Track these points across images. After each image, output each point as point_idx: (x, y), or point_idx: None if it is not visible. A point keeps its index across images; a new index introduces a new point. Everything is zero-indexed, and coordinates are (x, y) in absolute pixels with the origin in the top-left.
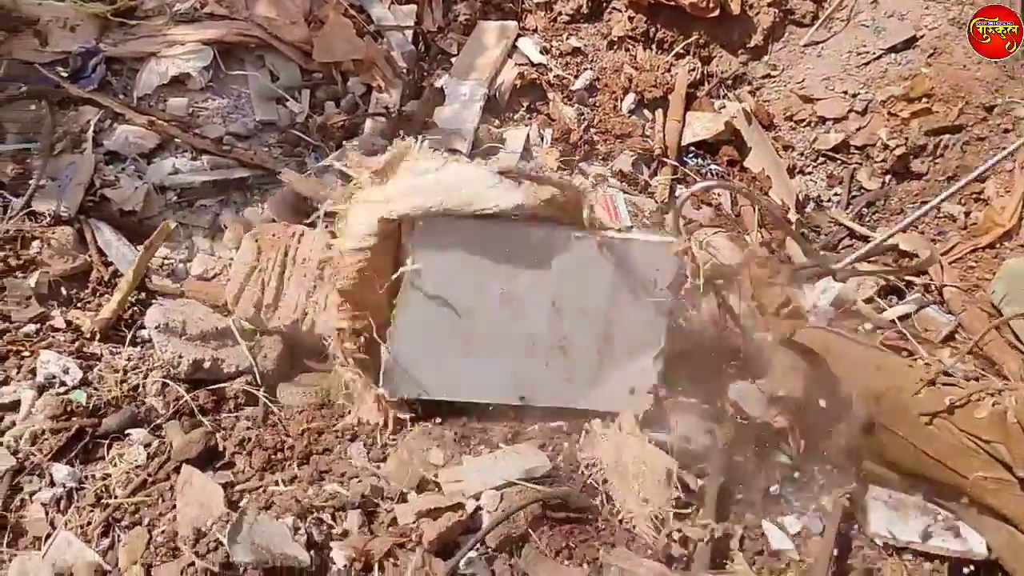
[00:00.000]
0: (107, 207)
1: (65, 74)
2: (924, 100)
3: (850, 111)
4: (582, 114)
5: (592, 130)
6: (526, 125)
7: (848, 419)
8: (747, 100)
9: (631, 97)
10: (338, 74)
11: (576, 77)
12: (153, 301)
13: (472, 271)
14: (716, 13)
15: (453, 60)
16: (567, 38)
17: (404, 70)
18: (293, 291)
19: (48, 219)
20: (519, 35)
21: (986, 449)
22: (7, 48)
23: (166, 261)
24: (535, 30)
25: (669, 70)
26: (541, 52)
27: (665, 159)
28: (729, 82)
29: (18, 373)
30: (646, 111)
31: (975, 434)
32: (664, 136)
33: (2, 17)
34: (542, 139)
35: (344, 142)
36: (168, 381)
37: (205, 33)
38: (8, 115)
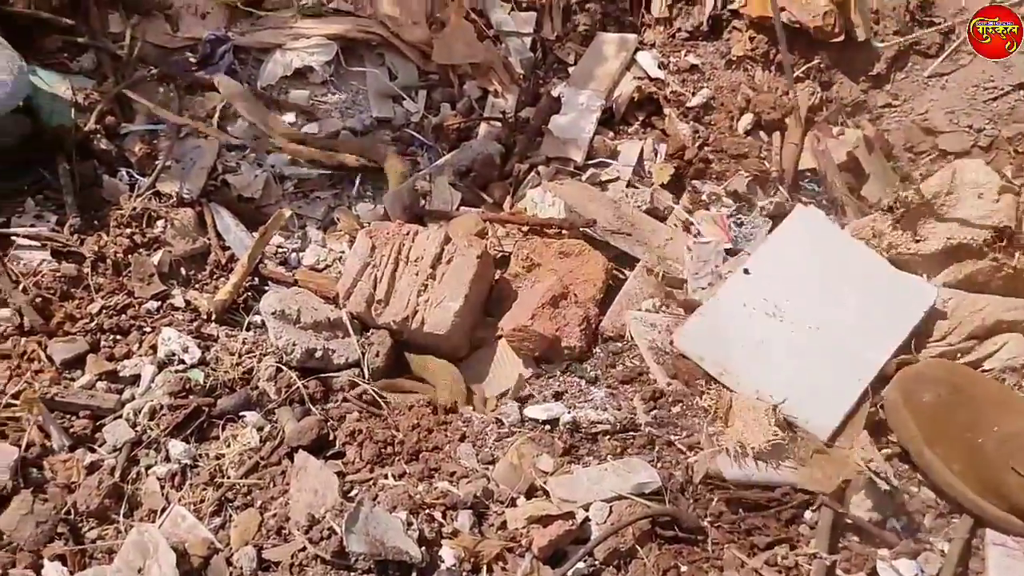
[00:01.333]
0: (227, 192)
1: (194, 60)
2: None
3: (974, 146)
4: (697, 132)
5: (707, 148)
6: (640, 139)
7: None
8: (867, 128)
9: (748, 118)
10: (455, 76)
11: (693, 94)
12: (266, 287)
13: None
14: (841, 38)
15: (570, 69)
16: (685, 54)
17: (521, 76)
18: (404, 289)
19: (172, 200)
20: (637, 48)
21: None
22: (140, 31)
23: (280, 249)
24: (653, 44)
25: (787, 93)
26: (659, 67)
27: (782, 183)
28: (848, 109)
29: (140, 348)
30: (762, 133)
31: None
32: (781, 159)
33: (137, 1)
34: (656, 154)
35: (459, 143)
36: (281, 367)
37: (330, 28)
38: (140, 95)
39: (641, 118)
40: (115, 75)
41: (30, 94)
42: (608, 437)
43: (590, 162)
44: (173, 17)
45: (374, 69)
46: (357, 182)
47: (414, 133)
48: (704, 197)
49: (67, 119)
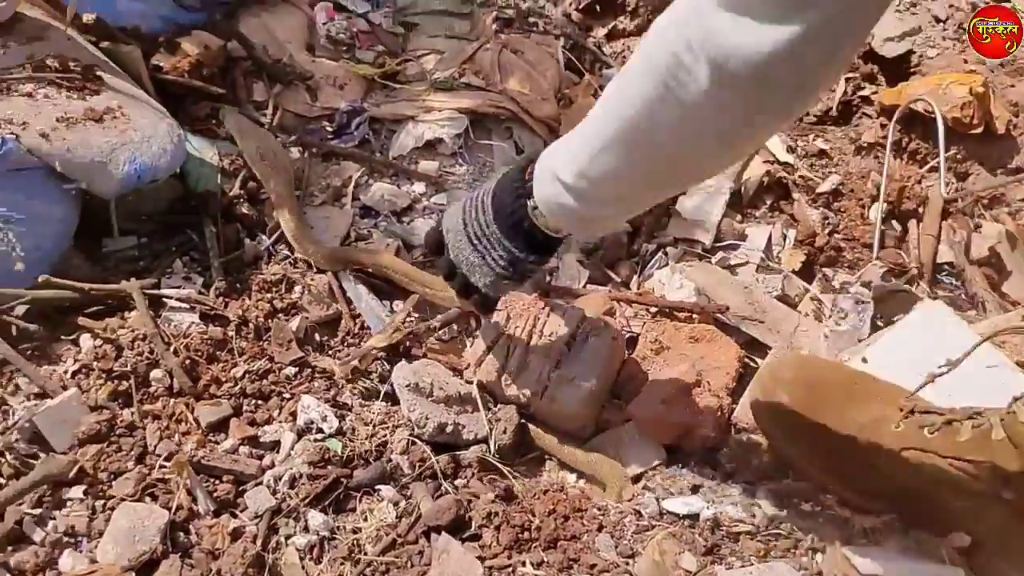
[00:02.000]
0: None
1: (330, 129)
2: None
3: None
4: (827, 218)
5: (837, 235)
6: (769, 223)
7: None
8: (1007, 222)
9: (880, 206)
10: None
11: (823, 179)
12: (395, 356)
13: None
14: (979, 130)
15: None
16: (814, 139)
17: None
18: (536, 364)
19: (307, 265)
20: None
21: (970, 472)
22: (281, 100)
23: (408, 319)
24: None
25: (920, 182)
26: (787, 151)
27: (921, 276)
28: (986, 201)
29: (280, 414)
30: (895, 222)
31: (958, 456)
32: (920, 252)
33: (281, 71)
34: (784, 239)
35: None
36: (415, 440)
37: (461, 102)
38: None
39: (769, 202)
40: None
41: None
42: (750, 538)
43: (718, 244)
44: (313, 88)
45: (501, 143)
46: None
47: None
48: (836, 285)
49: (214, 184)
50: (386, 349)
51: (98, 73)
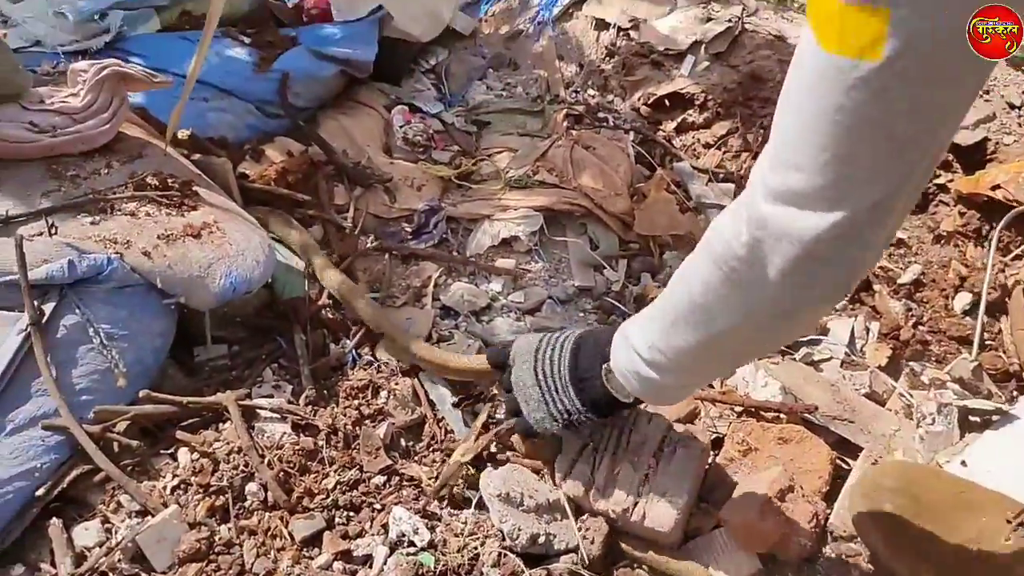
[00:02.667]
0: None
1: (409, 230)
2: None
3: None
4: (910, 309)
5: (922, 328)
6: (851, 315)
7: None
8: None
9: (965, 296)
10: (656, 247)
11: (903, 270)
12: (480, 461)
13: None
14: None
15: None
16: None
17: None
18: (625, 477)
19: (390, 370)
20: None
21: None
22: (363, 203)
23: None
24: None
25: (1004, 270)
26: None
27: (1021, 376)
28: None
29: (371, 526)
30: (982, 314)
31: None
32: (1016, 348)
33: (361, 174)
34: (867, 332)
35: None
36: (505, 552)
37: (535, 200)
38: (361, 265)
39: (851, 294)
40: (340, 244)
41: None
42: None
43: (800, 339)
44: (391, 189)
45: (576, 239)
46: None
47: (615, 302)
48: (925, 380)
49: (300, 290)
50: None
51: (195, 188)
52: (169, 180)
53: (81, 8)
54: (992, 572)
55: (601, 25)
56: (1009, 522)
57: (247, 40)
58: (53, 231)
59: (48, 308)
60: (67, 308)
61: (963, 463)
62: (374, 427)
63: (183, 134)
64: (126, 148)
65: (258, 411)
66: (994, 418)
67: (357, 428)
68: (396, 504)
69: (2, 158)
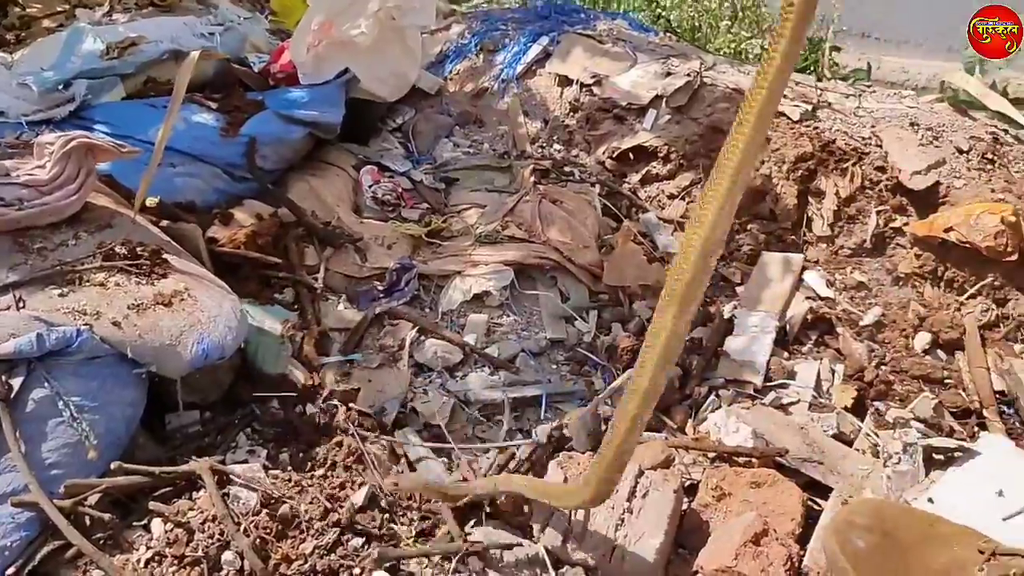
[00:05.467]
0: (416, 419)
1: (381, 288)
2: None
3: None
4: (872, 350)
5: (885, 368)
6: (816, 359)
7: None
8: None
9: (925, 336)
10: (625, 297)
11: (864, 312)
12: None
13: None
14: (1015, 257)
15: (737, 288)
16: (851, 271)
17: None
18: (601, 524)
19: (369, 425)
20: (804, 267)
21: None
22: (333, 263)
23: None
24: (817, 262)
25: (959, 309)
26: (827, 285)
27: (984, 411)
28: None
29: None
30: (940, 351)
31: None
32: (975, 384)
33: (331, 234)
34: (833, 374)
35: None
36: None
37: (505, 255)
38: (331, 326)
39: (814, 337)
40: (312, 307)
41: None
42: None
43: (768, 384)
44: (362, 248)
45: (547, 291)
46: (543, 407)
47: (587, 353)
48: (890, 419)
49: (276, 356)
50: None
51: (164, 256)
52: (138, 249)
53: (45, 78)
54: None
55: (564, 82)
56: (982, 552)
57: (213, 105)
58: (21, 305)
59: (16, 383)
60: (36, 382)
61: (930, 500)
62: (354, 491)
63: (151, 201)
64: (94, 218)
65: (232, 478)
66: (957, 455)
67: (338, 491)
68: (376, 570)
69: None
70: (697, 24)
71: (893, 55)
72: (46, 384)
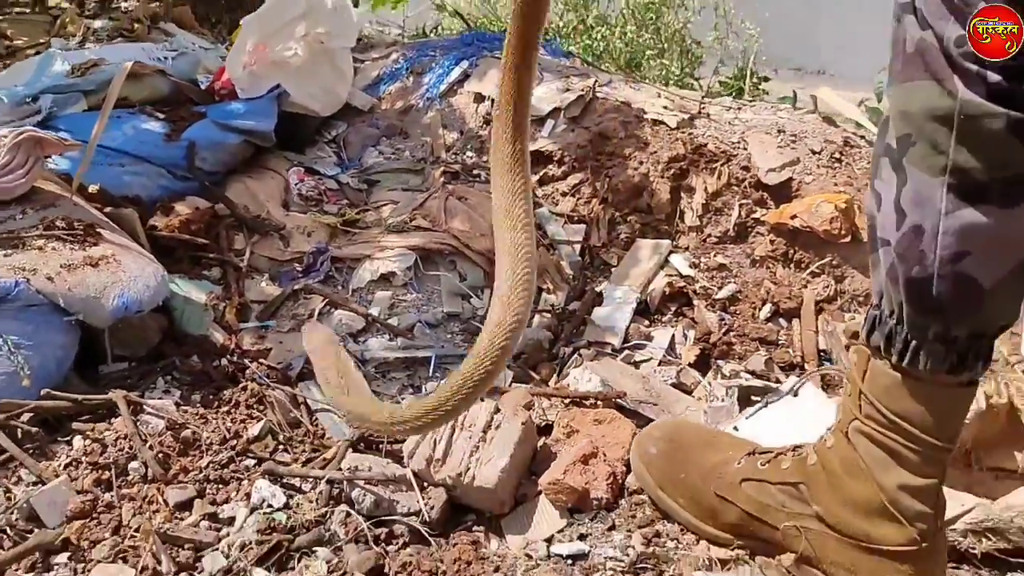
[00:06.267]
0: None
1: (299, 269)
2: None
3: None
4: (723, 319)
5: (731, 333)
6: (672, 327)
7: None
8: None
9: (768, 307)
10: None
11: (720, 288)
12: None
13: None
14: (848, 239)
15: (613, 270)
16: (715, 256)
17: (571, 276)
18: (458, 450)
19: (276, 378)
20: (671, 251)
21: (792, 494)
22: (257, 247)
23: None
24: (687, 248)
25: (806, 286)
26: (690, 266)
27: (805, 365)
28: (861, 299)
29: (237, 495)
30: (782, 319)
31: (781, 481)
32: (803, 344)
33: (258, 224)
34: (685, 338)
35: None
36: (351, 512)
37: (410, 241)
38: (253, 299)
39: (673, 309)
40: (236, 283)
41: (168, 296)
42: (622, 574)
43: (626, 345)
44: (285, 236)
45: (447, 273)
46: (431, 367)
47: (480, 324)
48: (726, 372)
49: (201, 323)
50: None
51: (98, 230)
52: (75, 223)
53: (15, 92)
54: (726, 490)
55: (479, 99)
56: (749, 454)
57: (161, 116)
58: None
59: None
60: None
61: (735, 428)
62: (253, 423)
63: (93, 188)
64: (40, 199)
65: (145, 407)
66: (769, 397)
67: (237, 425)
68: (261, 479)
69: None
70: (630, 57)
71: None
72: None
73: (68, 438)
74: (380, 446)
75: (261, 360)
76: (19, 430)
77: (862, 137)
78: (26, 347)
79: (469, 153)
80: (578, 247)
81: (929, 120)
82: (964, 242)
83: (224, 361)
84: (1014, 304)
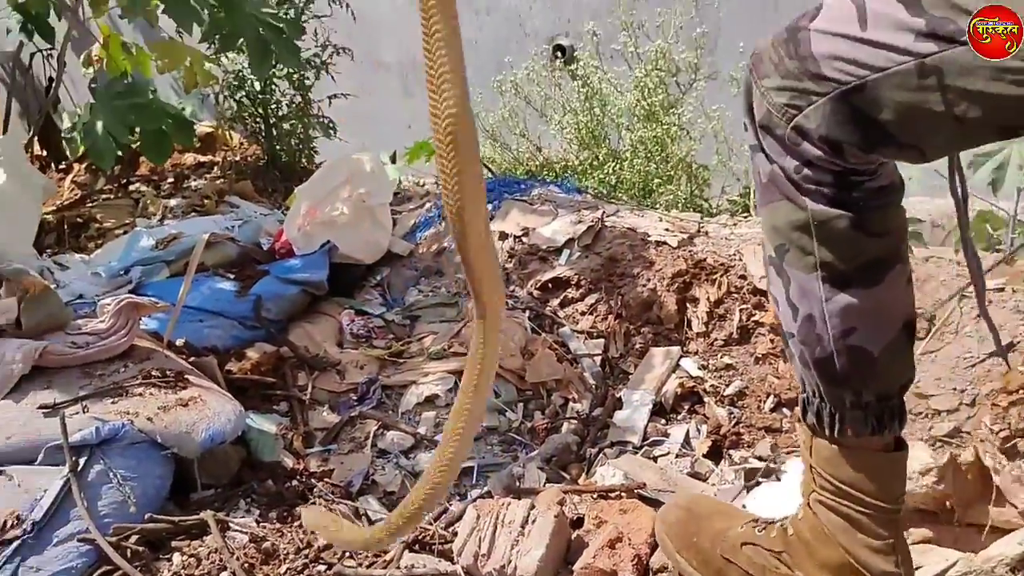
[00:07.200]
0: (375, 489)
1: (355, 398)
2: (1020, 392)
3: (960, 404)
4: (732, 413)
5: (739, 425)
6: (686, 423)
7: None
8: None
9: (771, 399)
10: (544, 391)
11: (728, 386)
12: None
13: None
14: None
15: (631, 376)
16: (721, 357)
17: (593, 386)
18: (500, 546)
19: (339, 494)
20: (682, 356)
21: (777, 559)
22: (319, 382)
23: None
24: (696, 352)
25: None
26: (700, 368)
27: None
28: None
29: None
30: (784, 409)
31: (770, 548)
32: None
33: (317, 362)
34: (699, 432)
35: (546, 438)
36: None
37: (449, 366)
38: (316, 427)
39: (687, 407)
40: (301, 414)
41: (244, 429)
42: None
43: (646, 442)
44: (341, 370)
45: None
46: (475, 475)
47: (515, 435)
48: (736, 459)
49: (273, 451)
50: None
51: (186, 377)
52: (167, 372)
53: (111, 267)
54: (730, 553)
55: (503, 236)
56: (749, 522)
57: (231, 276)
58: (86, 410)
59: (82, 460)
60: (95, 460)
61: (743, 506)
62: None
63: (180, 342)
64: (138, 354)
65: (231, 525)
66: (773, 477)
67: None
68: None
69: (54, 367)
70: (642, 185)
71: None
72: (102, 461)
73: (169, 555)
74: (432, 547)
75: (326, 479)
76: (128, 550)
77: None
78: (132, 479)
79: None
80: (598, 359)
81: (793, 230)
82: (847, 320)
83: (295, 482)
84: (905, 364)
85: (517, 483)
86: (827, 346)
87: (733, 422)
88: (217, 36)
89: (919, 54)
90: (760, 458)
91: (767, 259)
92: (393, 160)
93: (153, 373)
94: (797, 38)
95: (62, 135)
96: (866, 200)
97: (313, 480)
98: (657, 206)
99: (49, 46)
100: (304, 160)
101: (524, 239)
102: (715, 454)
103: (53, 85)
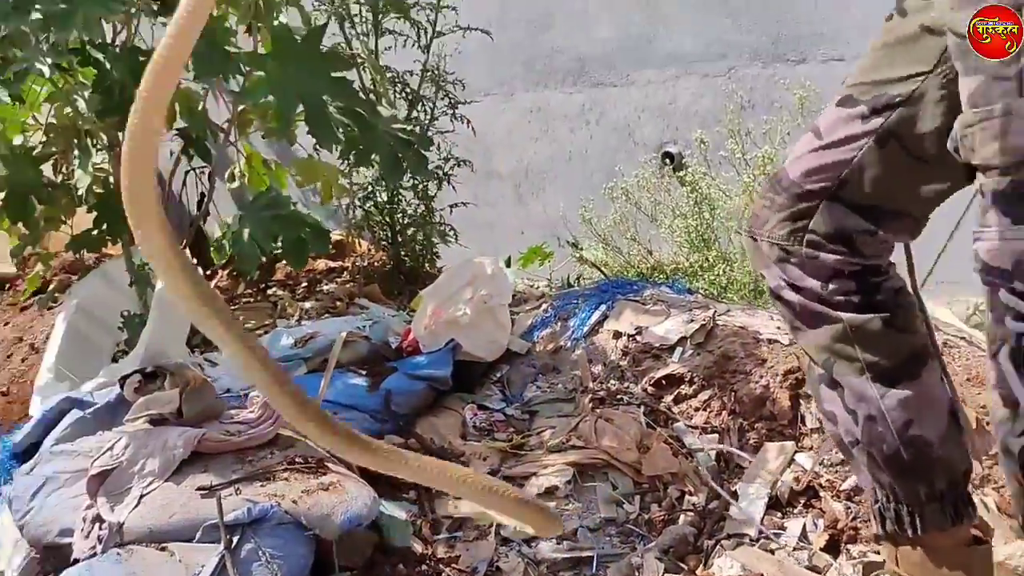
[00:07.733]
0: None
1: None
2: None
3: None
4: (848, 508)
5: (857, 520)
6: (802, 517)
7: None
8: (990, 495)
9: None
10: (660, 484)
11: (844, 480)
12: None
13: None
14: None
15: (746, 470)
16: (836, 452)
17: (708, 478)
18: None
19: None
20: (796, 451)
21: None
22: None
23: None
24: (810, 448)
25: None
26: (815, 463)
27: None
28: (975, 481)
29: None
30: None
31: None
32: None
33: (442, 453)
34: (815, 526)
35: (664, 530)
36: None
37: (567, 458)
38: (443, 514)
39: (803, 501)
40: (428, 502)
41: (377, 515)
42: None
43: (762, 535)
44: (465, 463)
45: (601, 484)
46: (594, 565)
47: (633, 527)
48: (855, 553)
49: (405, 535)
50: None
51: (326, 463)
52: (309, 459)
53: None
54: None
55: (617, 335)
56: None
57: (363, 372)
58: (238, 492)
59: (235, 539)
60: (247, 539)
61: None
62: None
63: None
64: (283, 442)
65: None
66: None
67: None
68: None
69: (210, 452)
70: (755, 287)
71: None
72: (252, 540)
73: None
74: None
75: (453, 565)
76: None
77: (962, 338)
78: (279, 557)
79: (613, 381)
80: (713, 453)
81: (835, 342)
82: (905, 412)
83: (424, 566)
84: (963, 451)
85: (636, 573)
86: (892, 441)
87: (851, 517)
88: (352, 153)
89: (872, 131)
90: (879, 552)
91: (816, 380)
92: (508, 264)
93: (297, 459)
94: (777, 177)
95: (209, 244)
96: (890, 300)
97: (441, 565)
98: (768, 306)
99: (203, 165)
100: (427, 265)
101: (638, 338)
102: (832, 548)
103: (205, 200)
